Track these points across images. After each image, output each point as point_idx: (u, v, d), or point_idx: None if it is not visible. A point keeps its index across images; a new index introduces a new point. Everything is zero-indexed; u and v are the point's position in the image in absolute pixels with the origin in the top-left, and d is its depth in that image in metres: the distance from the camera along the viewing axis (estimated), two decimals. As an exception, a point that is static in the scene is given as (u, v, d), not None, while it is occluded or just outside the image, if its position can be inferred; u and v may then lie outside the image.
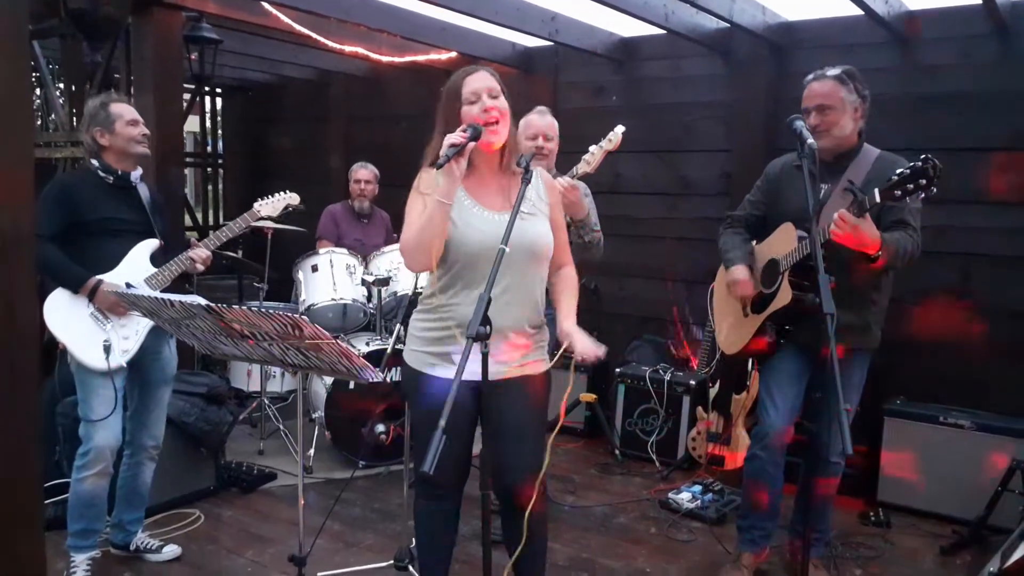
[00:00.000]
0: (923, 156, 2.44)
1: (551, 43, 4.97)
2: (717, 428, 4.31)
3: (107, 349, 2.87)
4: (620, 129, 3.04)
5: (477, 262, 2.25)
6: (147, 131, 3.05)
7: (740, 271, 3.06)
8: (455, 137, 2.16)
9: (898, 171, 2.49)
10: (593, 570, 3.26)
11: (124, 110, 3.01)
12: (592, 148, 3.08)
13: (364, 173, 5.14)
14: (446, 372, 2.30)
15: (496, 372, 2.20)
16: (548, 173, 2.53)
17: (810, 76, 2.89)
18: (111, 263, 2.95)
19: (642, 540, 3.57)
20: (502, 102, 2.28)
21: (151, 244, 3.06)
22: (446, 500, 2.51)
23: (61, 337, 2.88)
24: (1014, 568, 2.53)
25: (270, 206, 3.44)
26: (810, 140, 2.51)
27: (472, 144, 2.18)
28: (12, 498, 2.20)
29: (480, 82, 2.28)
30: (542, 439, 2.39)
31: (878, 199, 2.53)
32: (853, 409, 2.98)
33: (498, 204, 2.33)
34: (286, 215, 4.50)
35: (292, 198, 3.54)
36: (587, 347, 2.26)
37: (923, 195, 2.46)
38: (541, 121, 3.38)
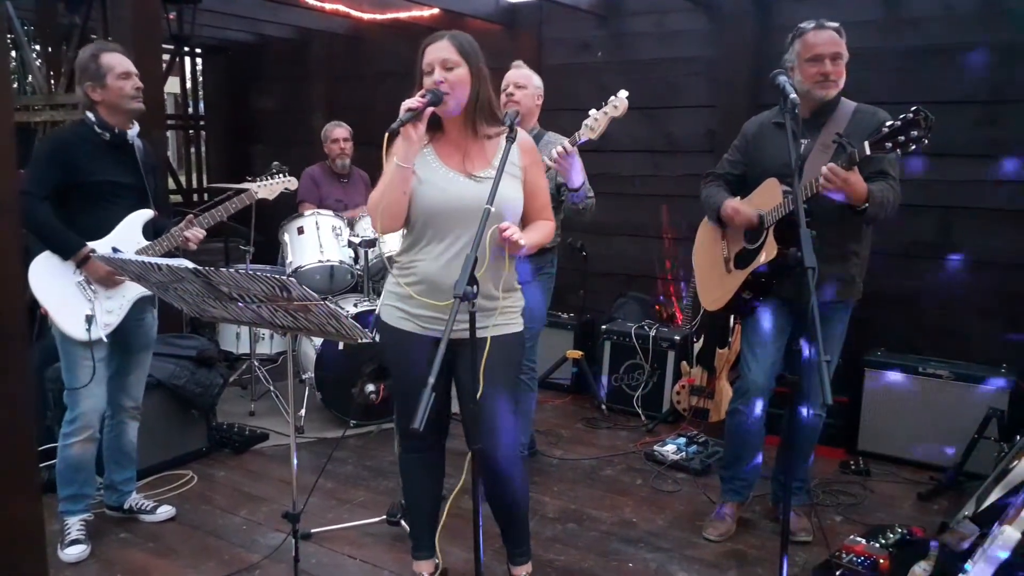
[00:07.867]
0: (914, 108, 2.43)
1: (534, -2, 4.91)
2: (701, 382, 4.38)
3: (89, 320, 2.84)
4: (624, 94, 2.96)
5: (436, 219, 2.30)
6: (140, 84, 2.91)
7: (733, 201, 2.99)
8: (412, 102, 2.19)
9: (888, 123, 2.48)
10: (581, 521, 3.34)
11: (116, 61, 2.87)
12: (594, 113, 2.99)
13: (342, 131, 5.10)
14: (415, 328, 2.38)
15: (465, 332, 2.20)
16: (528, 133, 2.53)
17: (809, 24, 2.80)
18: (103, 229, 2.90)
19: (629, 491, 3.65)
20: (456, 74, 2.26)
21: (145, 215, 2.99)
22: (431, 451, 2.61)
23: (43, 302, 2.83)
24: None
25: (267, 189, 3.40)
26: (793, 95, 2.48)
27: (430, 109, 2.20)
28: (7, 463, 2.22)
29: (434, 53, 2.28)
30: (513, 399, 2.43)
31: (868, 152, 2.52)
32: (834, 361, 3.01)
33: (461, 166, 2.36)
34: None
35: (290, 183, 3.50)
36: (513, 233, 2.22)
37: (914, 147, 2.45)
38: (512, 73, 3.45)
